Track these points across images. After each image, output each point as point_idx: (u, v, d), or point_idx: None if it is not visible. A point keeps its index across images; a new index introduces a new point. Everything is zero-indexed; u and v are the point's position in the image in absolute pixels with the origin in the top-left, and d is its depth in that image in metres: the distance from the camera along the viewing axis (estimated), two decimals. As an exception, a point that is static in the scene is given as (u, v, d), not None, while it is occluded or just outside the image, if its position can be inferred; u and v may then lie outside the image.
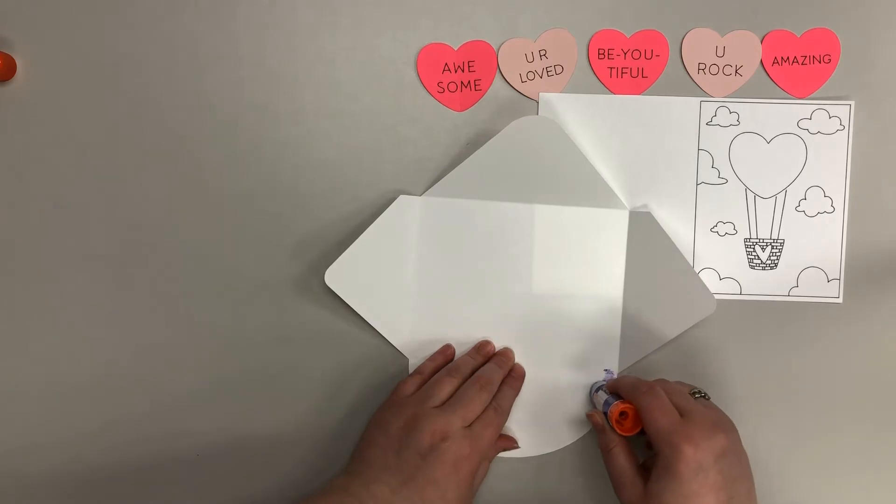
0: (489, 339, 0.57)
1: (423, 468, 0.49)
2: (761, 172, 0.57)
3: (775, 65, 0.56)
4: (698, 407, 0.48)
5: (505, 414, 0.54)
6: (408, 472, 0.50)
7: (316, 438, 0.57)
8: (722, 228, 0.57)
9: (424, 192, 0.57)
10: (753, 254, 0.57)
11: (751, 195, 0.57)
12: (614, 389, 0.54)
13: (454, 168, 0.56)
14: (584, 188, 0.56)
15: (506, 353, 0.57)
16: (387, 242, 0.56)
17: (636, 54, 0.56)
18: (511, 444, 0.57)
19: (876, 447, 0.57)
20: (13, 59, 0.56)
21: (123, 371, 0.57)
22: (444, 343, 0.57)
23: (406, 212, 0.56)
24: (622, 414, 0.51)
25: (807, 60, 0.56)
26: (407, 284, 0.57)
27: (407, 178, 0.57)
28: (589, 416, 0.55)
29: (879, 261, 0.57)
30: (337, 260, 0.55)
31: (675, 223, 0.57)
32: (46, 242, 0.57)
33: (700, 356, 0.57)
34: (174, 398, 0.57)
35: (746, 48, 0.56)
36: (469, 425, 0.52)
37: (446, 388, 0.53)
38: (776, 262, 0.57)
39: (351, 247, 0.56)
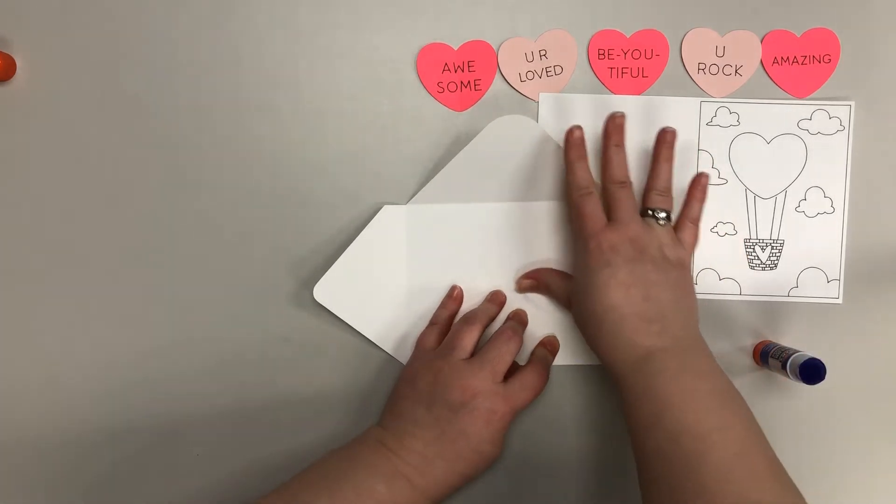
0: (500, 289, 0.57)
1: (454, 422, 0.50)
2: (761, 173, 0.57)
3: (775, 65, 0.56)
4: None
5: (546, 378, 0.54)
6: (440, 426, 0.50)
7: (315, 440, 0.57)
8: (722, 229, 0.57)
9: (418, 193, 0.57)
10: (753, 254, 0.57)
11: (751, 195, 0.57)
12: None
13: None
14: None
15: (520, 315, 0.57)
16: (374, 254, 0.56)
17: (636, 54, 0.56)
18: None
19: (876, 447, 0.57)
20: (13, 59, 0.56)
21: (123, 372, 0.57)
22: None
23: (391, 222, 0.56)
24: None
25: (807, 60, 0.56)
26: (398, 293, 0.57)
27: (407, 178, 0.57)
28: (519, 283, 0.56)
29: (879, 261, 0.57)
30: (324, 276, 0.56)
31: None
32: (46, 242, 0.57)
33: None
34: (174, 399, 0.57)
35: (746, 48, 0.56)
36: (504, 380, 0.51)
37: (468, 337, 0.53)
38: (776, 262, 0.57)
39: (337, 261, 0.56)
